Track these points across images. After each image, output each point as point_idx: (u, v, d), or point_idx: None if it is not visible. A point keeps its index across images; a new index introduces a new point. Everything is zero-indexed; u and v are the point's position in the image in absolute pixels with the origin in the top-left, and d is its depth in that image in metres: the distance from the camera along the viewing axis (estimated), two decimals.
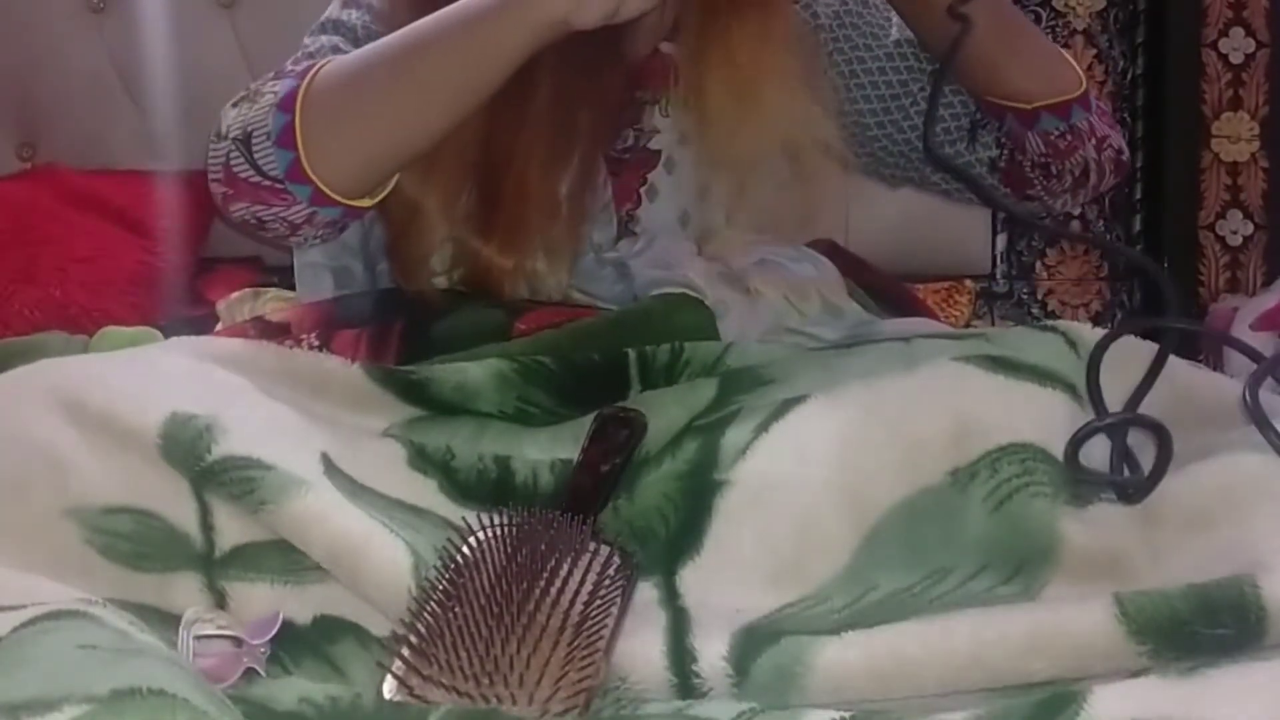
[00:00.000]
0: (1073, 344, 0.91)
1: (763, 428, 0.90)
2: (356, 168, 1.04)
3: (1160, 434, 0.79)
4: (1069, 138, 1.20)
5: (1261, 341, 1.78)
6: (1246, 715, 0.67)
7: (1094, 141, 1.21)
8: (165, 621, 0.81)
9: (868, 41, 1.27)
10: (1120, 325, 0.91)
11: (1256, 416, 0.83)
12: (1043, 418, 0.85)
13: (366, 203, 1.06)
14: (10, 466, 0.84)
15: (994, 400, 0.85)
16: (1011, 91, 1.19)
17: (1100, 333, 0.92)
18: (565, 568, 0.79)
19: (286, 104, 1.03)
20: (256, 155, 1.04)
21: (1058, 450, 0.84)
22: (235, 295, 1.59)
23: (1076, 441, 0.80)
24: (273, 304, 1.56)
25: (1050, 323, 0.95)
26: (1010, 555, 0.80)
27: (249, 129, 1.05)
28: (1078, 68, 1.22)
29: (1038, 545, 0.80)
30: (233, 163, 1.06)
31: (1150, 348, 0.92)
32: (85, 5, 1.99)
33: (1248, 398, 0.84)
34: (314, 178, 1.03)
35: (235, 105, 1.09)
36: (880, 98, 1.26)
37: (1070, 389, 0.87)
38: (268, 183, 1.04)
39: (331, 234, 1.12)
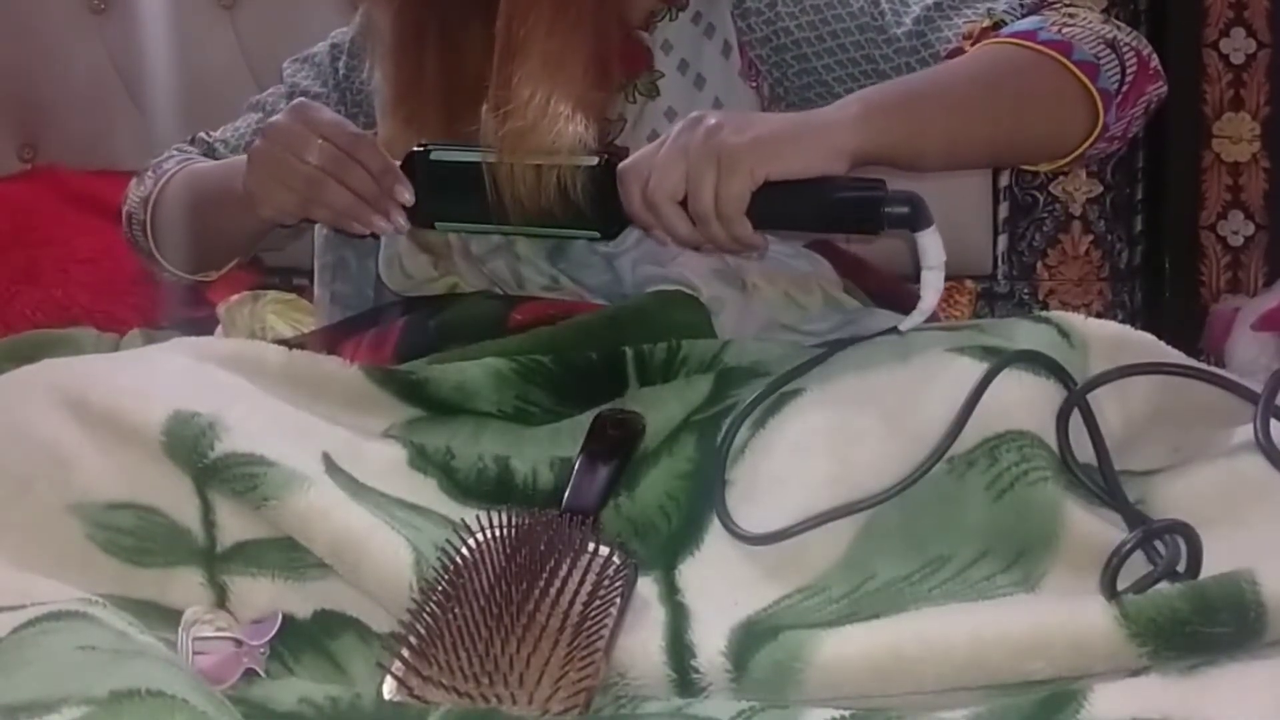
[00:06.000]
0: (1065, 334, 0.91)
1: (759, 424, 0.91)
2: (188, 264, 1.36)
3: (1189, 536, 0.77)
4: (1118, 141, 1.16)
5: (1263, 342, 1.78)
6: (1246, 713, 0.67)
7: (1140, 106, 1.14)
8: (165, 618, 0.81)
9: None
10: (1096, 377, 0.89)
11: (1270, 454, 0.83)
12: (1037, 406, 0.85)
13: (213, 276, 1.38)
14: (14, 463, 0.85)
15: (989, 389, 0.85)
16: (1033, 161, 1.16)
17: (1094, 321, 0.92)
18: (565, 568, 0.79)
19: (144, 204, 1.35)
20: (134, 231, 1.37)
21: (1051, 438, 0.84)
22: (235, 298, 1.59)
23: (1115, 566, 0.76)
24: (273, 305, 1.57)
25: (1043, 314, 0.95)
26: (1011, 542, 0.80)
27: (130, 212, 1.37)
28: (1095, 99, 1.09)
29: (1040, 532, 0.80)
30: (133, 226, 1.37)
31: (1143, 339, 0.92)
32: (85, 6, 1.99)
33: (1260, 437, 0.84)
34: (161, 260, 1.36)
35: (138, 179, 1.38)
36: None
37: (1064, 378, 0.87)
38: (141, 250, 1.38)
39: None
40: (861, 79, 1.16)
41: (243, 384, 0.93)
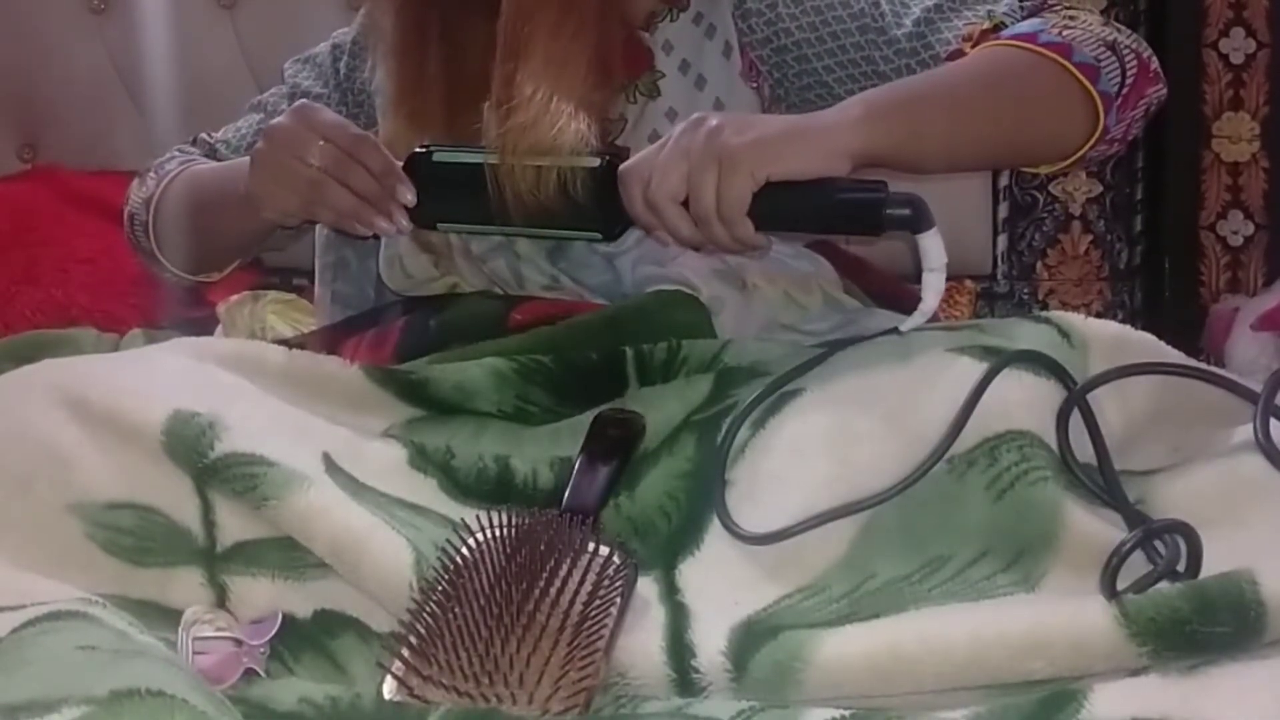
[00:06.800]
0: (1065, 334, 0.91)
1: (759, 424, 0.91)
2: (190, 265, 1.36)
3: (1189, 536, 0.77)
4: (1118, 143, 1.16)
5: (1263, 342, 1.78)
6: (1246, 714, 0.67)
7: (1140, 108, 1.14)
8: (165, 617, 0.81)
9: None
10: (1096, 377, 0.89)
11: (1270, 454, 0.83)
12: (1037, 406, 0.85)
13: (215, 277, 1.39)
14: (14, 462, 0.85)
15: (989, 389, 0.85)
16: (1034, 163, 1.17)
17: (1094, 321, 0.93)
18: (565, 568, 0.79)
19: (147, 205, 1.35)
20: (136, 232, 1.37)
21: (1051, 438, 0.84)
22: (235, 298, 1.59)
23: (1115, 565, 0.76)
24: (273, 305, 1.57)
25: (1043, 314, 0.95)
26: (1011, 542, 0.80)
27: (132, 213, 1.37)
28: (1095, 102, 1.09)
29: (1040, 532, 0.80)
30: (135, 227, 1.37)
31: (1143, 339, 0.92)
32: (85, 6, 1.99)
33: (1260, 437, 0.84)
34: (163, 261, 1.36)
35: (140, 180, 1.38)
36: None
37: (1064, 378, 0.87)
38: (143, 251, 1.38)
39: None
40: (862, 80, 1.16)
41: (243, 384, 0.93)
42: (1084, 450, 0.85)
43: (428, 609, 0.77)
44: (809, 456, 0.88)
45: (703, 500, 0.89)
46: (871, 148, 0.99)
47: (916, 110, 1.04)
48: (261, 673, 0.80)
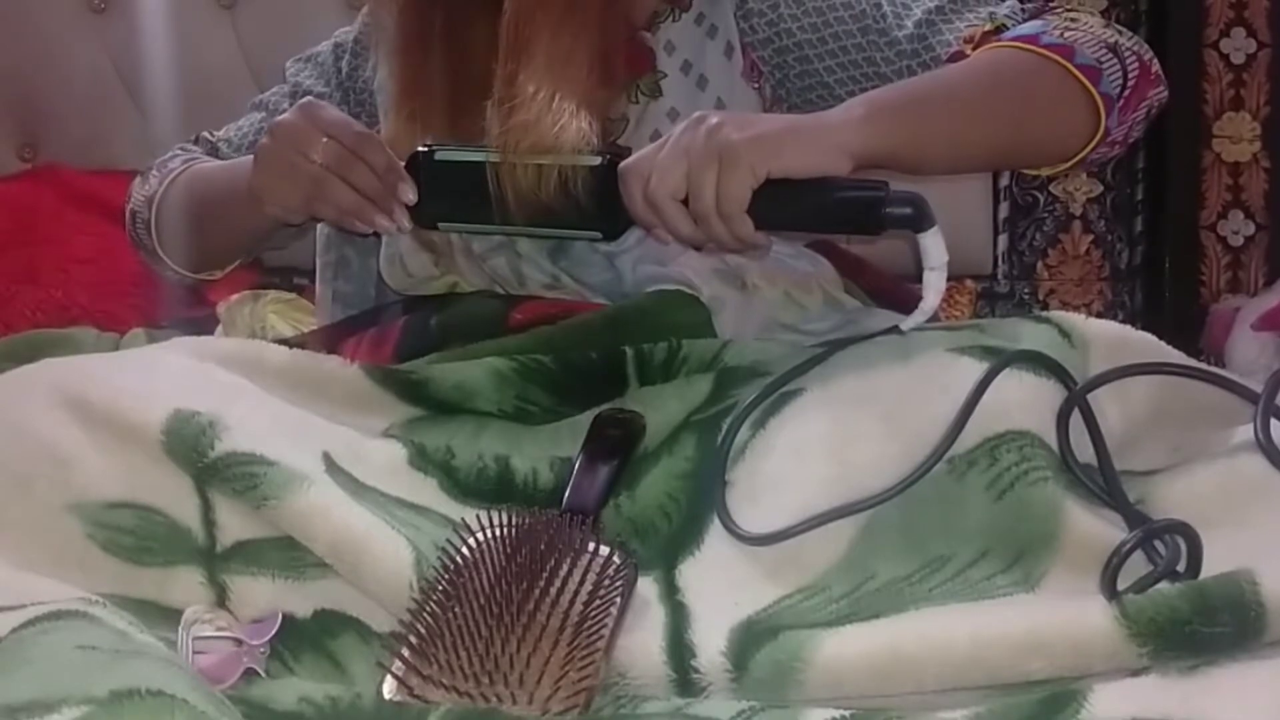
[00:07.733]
0: (1066, 334, 0.91)
1: (759, 424, 0.91)
2: (191, 263, 1.36)
3: (1189, 536, 0.77)
4: (1119, 145, 1.16)
5: (1263, 342, 1.78)
6: (1246, 713, 0.67)
7: (1142, 110, 1.14)
8: (165, 617, 0.81)
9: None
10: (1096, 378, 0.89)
11: (1270, 454, 0.83)
12: (1037, 406, 0.85)
13: (216, 275, 1.38)
14: (13, 461, 0.85)
15: (989, 389, 0.85)
16: (1036, 165, 1.17)
17: (1094, 321, 0.93)
18: (565, 568, 0.79)
19: (149, 203, 1.36)
20: (138, 230, 1.38)
21: (1051, 438, 0.84)
22: (235, 297, 1.59)
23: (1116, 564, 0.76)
24: (273, 305, 1.57)
25: (1043, 314, 0.95)
26: (1011, 542, 0.80)
27: (134, 210, 1.37)
28: (1097, 104, 1.09)
29: (1040, 532, 0.80)
30: (137, 225, 1.38)
31: (1143, 339, 0.92)
32: (85, 5, 1.99)
33: (1260, 437, 0.84)
34: (165, 258, 1.36)
35: (142, 177, 1.39)
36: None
37: (1064, 378, 0.87)
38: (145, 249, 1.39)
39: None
40: (862, 81, 1.17)
41: (243, 383, 0.93)
42: (1084, 450, 0.85)
43: (428, 609, 0.77)
44: (809, 457, 0.88)
45: (703, 500, 0.89)
46: (873, 148, 0.99)
47: (919, 111, 1.04)
48: (261, 673, 0.80)
